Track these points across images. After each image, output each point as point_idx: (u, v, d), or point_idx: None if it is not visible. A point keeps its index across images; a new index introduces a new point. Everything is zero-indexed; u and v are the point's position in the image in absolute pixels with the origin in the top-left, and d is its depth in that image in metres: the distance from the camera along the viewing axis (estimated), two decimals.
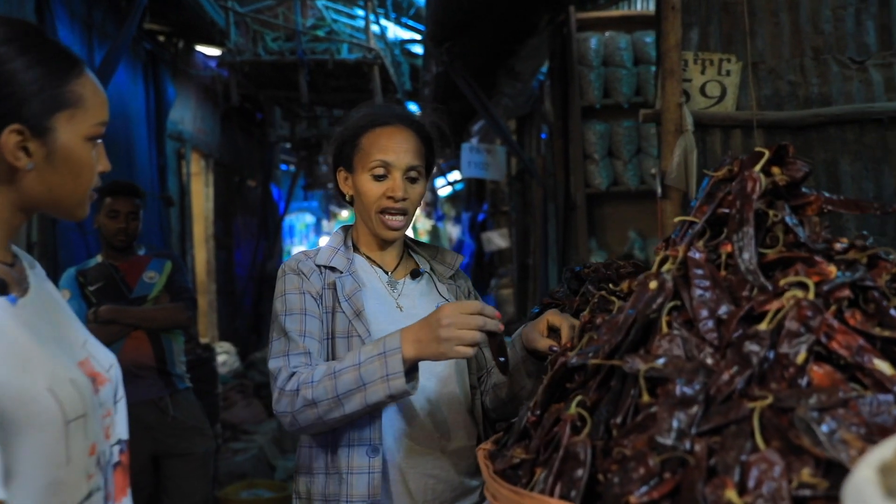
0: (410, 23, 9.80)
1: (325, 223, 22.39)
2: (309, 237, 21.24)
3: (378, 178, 1.83)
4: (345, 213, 23.65)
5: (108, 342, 3.42)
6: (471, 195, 12.79)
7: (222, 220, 9.77)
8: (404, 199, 1.83)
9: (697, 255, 1.12)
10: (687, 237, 1.17)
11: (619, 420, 1.03)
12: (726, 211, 1.15)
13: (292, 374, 1.68)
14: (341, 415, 1.63)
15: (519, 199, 8.26)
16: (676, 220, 1.19)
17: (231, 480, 5.48)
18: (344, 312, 1.79)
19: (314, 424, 1.67)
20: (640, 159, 5.54)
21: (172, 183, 7.52)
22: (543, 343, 1.67)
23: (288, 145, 12.81)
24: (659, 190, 3.29)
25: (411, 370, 1.63)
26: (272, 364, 1.74)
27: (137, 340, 3.48)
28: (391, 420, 1.78)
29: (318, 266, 1.85)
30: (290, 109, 10.81)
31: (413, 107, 10.84)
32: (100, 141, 1.26)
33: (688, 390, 0.98)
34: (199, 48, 8.08)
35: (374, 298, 1.85)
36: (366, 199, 1.84)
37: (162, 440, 3.54)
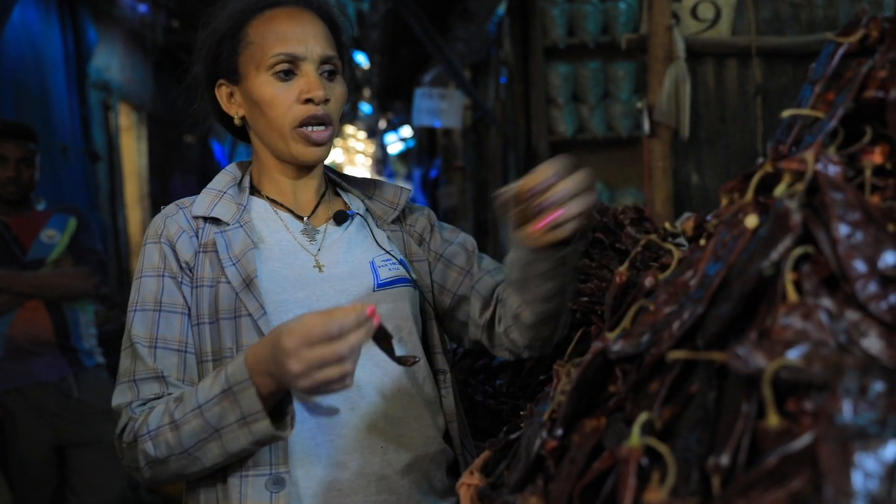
0: None
1: None
2: None
3: (282, 75, 1.30)
4: None
5: None
6: (422, 151, 12.28)
7: (158, 179, 9.14)
8: (326, 101, 1.31)
9: (833, 171, 0.66)
10: (806, 143, 0.70)
11: (723, 460, 0.58)
12: (875, 96, 0.69)
13: (129, 419, 1.21)
14: (203, 468, 1.15)
15: (474, 152, 7.81)
16: (786, 113, 0.73)
17: None
18: (230, 282, 1.27)
19: (180, 478, 1.20)
20: (608, 104, 5.15)
21: (98, 137, 6.90)
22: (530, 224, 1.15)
23: None
24: (646, 126, 2.87)
25: (284, 402, 1.15)
26: (115, 397, 1.25)
27: (32, 312, 2.93)
28: (306, 434, 1.24)
29: (196, 218, 1.33)
30: None
31: (361, 57, 10.26)
32: None
33: (867, 410, 0.53)
34: None
35: (277, 258, 1.33)
36: (271, 111, 1.30)
37: (65, 428, 3.01)
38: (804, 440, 0.54)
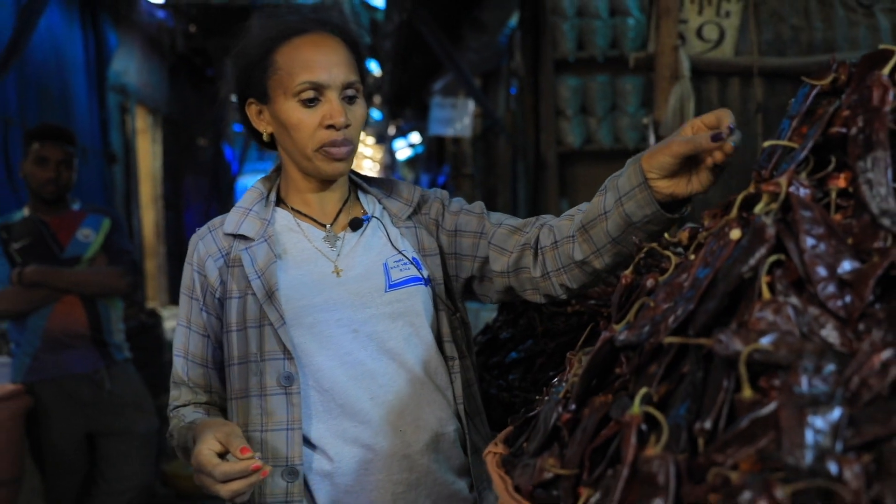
0: None
1: None
2: None
3: (308, 103, 1.42)
4: None
5: (34, 308, 3.04)
6: (431, 157, 12.40)
7: (171, 180, 9.27)
8: (347, 126, 1.43)
9: (803, 192, 0.80)
10: (783, 169, 0.85)
11: (707, 425, 0.72)
12: (840, 131, 0.83)
13: (168, 415, 1.52)
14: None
15: (483, 160, 7.94)
16: (766, 144, 0.87)
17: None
18: (255, 294, 1.42)
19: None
20: (615, 117, 5.27)
21: (116, 139, 7.04)
22: (698, 138, 1.17)
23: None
24: (652, 141, 3.00)
25: None
26: (170, 390, 1.54)
27: (69, 306, 3.09)
28: (335, 423, 1.40)
29: (227, 235, 1.48)
30: None
31: (373, 65, 10.39)
32: None
33: (819, 384, 0.67)
34: None
35: (297, 266, 1.46)
36: (297, 134, 1.43)
37: (97, 418, 3.16)
38: (770, 407, 0.68)
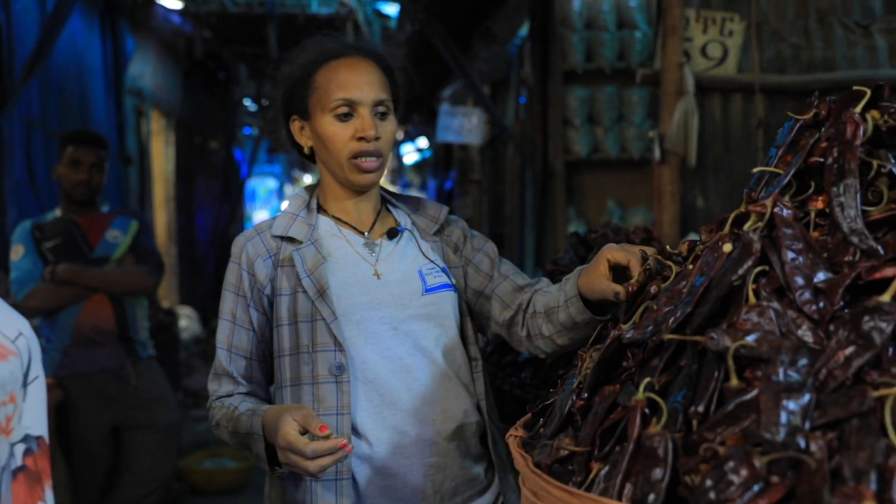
0: None
1: (287, 188, 21.96)
2: (271, 202, 20.81)
3: (342, 117, 1.58)
4: (307, 179, 23.24)
5: (65, 305, 3.17)
6: (438, 162, 12.53)
7: (183, 182, 9.42)
8: (377, 139, 1.59)
9: (786, 213, 0.94)
10: (769, 191, 0.98)
11: (700, 409, 0.85)
12: (818, 160, 0.97)
13: (210, 405, 1.65)
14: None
15: (490, 167, 8.05)
16: (755, 170, 1.01)
17: (193, 450, 5.25)
18: (306, 292, 1.56)
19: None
20: (622, 127, 5.39)
21: (131, 141, 7.19)
22: (609, 289, 1.37)
23: (254, 107, 12.40)
24: (657, 154, 3.14)
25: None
26: (209, 381, 1.67)
27: (98, 304, 3.23)
28: (374, 411, 1.56)
29: (275, 238, 1.63)
30: (255, 67, 10.43)
31: None
32: None
33: (794, 374, 0.80)
34: None
35: (343, 268, 1.61)
36: (332, 146, 1.59)
37: (123, 412, 3.30)
38: (752, 394, 0.82)
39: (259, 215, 17.87)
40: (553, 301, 1.56)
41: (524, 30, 6.14)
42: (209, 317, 9.13)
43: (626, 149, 5.35)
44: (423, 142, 14.25)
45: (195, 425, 5.60)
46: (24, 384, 0.93)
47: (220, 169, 11.23)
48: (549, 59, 5.48)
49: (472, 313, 1.72)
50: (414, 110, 12.25)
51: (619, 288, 1.31)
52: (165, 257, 8.74)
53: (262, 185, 19.92)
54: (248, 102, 12.53)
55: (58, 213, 3.32)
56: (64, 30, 4.42)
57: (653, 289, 1.08)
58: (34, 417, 0.95)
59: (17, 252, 3.16)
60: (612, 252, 1.41)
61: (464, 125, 6.53)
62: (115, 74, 6.67)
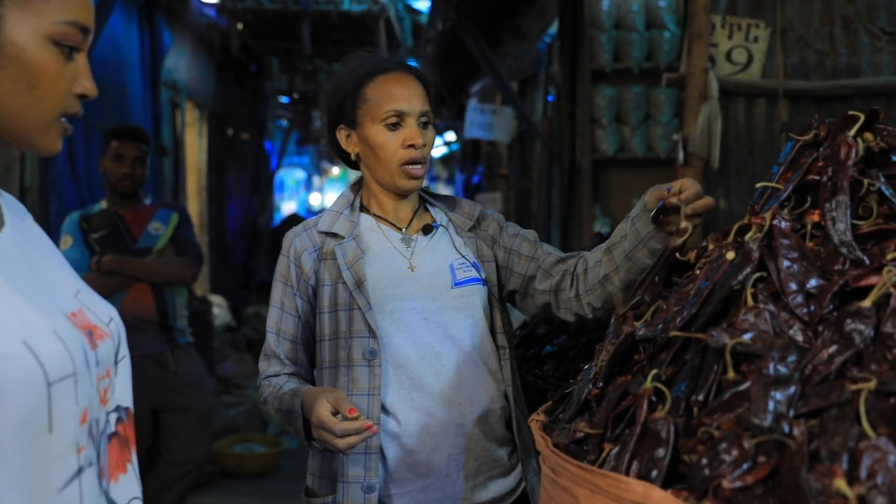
0: None
1: (315, 179, 22.19)
2: (299, 193, 21.06)
3: (391, 127, 1.73)
4: (335, 170, 23.45)
5: (110, 294, 3.33)
6: (466, 156, 12.64)
7: (215, 173, 9.60)
8: (423, 146, 1.75)
9: (784, 225, 1.05)
10: (769, 205, 1.09)
11: (700, 397, 0.97)
12: (815, 178, 1.08)
13: (260, 384, 1.80)
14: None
15: (518, 162, 8.15)
16: (758, 185, 1.12)
17: (224, 434, 5.43)
18: (345, 283, 1.72)
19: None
20: (649, 126, 5.46)
21: (167, 133, 7.36)
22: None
23: (285, 99, 12.56)
24: (681, 156, 3.22)
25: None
26: (260, 361, 1.82)
27: (140, 293, 3.38)
28: (405, 394, 1.70)
29: (320, 233, 1.78)
30: (288, 62, 10.60)
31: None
32: (80, 53, 1.04)
33: (782, 369, 0.91)
34: None
35: (379, 262, 1.76)
36: (383, 153, 1.74)
37: (163, 395, 3.46)
38: (746, 385, 0.93)
39: (287, 206, 18.12)
40: (615, 235, 1.66)
41: (553, 28, 6.22)
42: (239, 306, 9.33)
43: (653, 148, 5.41)
44: (450, 135, 14.36)
45: (226, 410, 5.77)
46: (116, 361, 1.07)
47: (250, 160, 11.42)
48: (578, 58, 5.55)
49: (515, 294, 1.84)
50: (442, 105, 12.38)
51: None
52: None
53: (290, 175, 20.18)
54: (279, 96, 12.70)
55: (103, 204, 3.48)
56: (106, 25, 4.58)
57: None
58: (123, 390, 1.09)
59: (66, 242, 3.32)
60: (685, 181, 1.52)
61: (492, 122, 6.63)
62: (152, 67, 6.84)
